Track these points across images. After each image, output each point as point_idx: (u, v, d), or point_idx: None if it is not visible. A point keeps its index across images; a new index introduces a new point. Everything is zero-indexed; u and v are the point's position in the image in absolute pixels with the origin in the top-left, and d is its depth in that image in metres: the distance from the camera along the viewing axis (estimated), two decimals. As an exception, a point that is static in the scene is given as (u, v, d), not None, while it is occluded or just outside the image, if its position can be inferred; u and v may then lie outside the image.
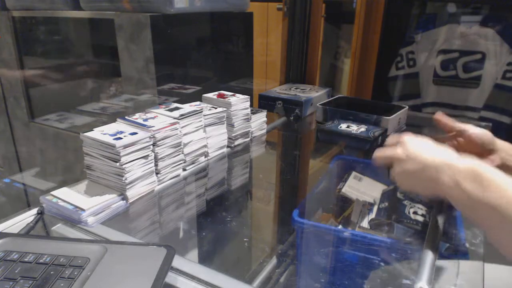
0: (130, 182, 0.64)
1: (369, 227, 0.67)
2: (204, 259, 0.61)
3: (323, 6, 1.36)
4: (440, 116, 0.67)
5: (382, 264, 0.55)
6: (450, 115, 0.67)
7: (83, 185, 0.66)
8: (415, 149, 0.54)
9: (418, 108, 1.60)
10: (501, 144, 0.63)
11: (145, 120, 0.72)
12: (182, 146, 0.75)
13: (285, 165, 0.98)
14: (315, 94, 1.23)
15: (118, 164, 0.62)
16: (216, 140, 0.85)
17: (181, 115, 0.75)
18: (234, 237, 0.65)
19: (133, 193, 0.65)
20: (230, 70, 1.33)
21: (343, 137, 0.96)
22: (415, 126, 1.12)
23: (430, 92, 1.58)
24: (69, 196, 0.62)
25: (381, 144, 0.97)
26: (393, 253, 0.56)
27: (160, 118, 0.73)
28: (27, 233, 0.56)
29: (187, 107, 0.80)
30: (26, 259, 0.44)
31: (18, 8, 1.27)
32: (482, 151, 0.62)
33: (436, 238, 0.54)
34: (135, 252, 0.47)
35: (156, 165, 0.70)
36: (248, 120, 0.93)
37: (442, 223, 0.58)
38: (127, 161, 0.63)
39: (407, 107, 1.09)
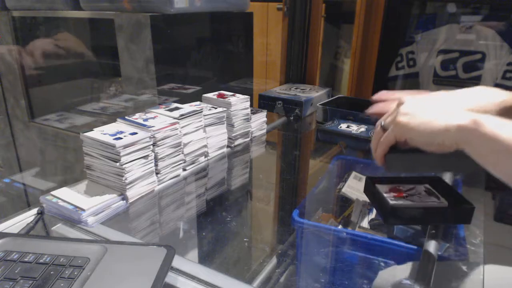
0: (130, 182, 0.64)
1: (369, 227, 0.67)
2: (204, 259, 0.61)
3: (323, 6, 1.36)
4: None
5: (382, 264, 0.55)
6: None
7: (83, 185, 0.66)
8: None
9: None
10: None
11: (145, 120, 0.72)
12: (182, 146, 0.75)
13: (285, 165, 0.98)
14: (315, 94, 1.23)
15: (118, 164, 0.62)
16: (216, 140, 0.85)
17: (181, 115, 0.75)
18: (234, 237, 0.65)
19: (133, 193, 0.65)
20: (230, 70, 1.33)
21: (343, 137, 0.96)
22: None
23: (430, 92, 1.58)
24: (69, 196, 0.62)
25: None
26: (393, 253, 0.56)
27: (160, 118, 0.73)
28: (27, 233, 0.56)
29: (187, 107, 0.80)
30: (26, 259, 0.44)
31: (18, 8, 1.27)
32: None
33: (436, 238, 0.54)
34: (135, 252, 0.47)
35: (156, 165, 0.70)
36: (248, 120, 0.93)
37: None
38: (127, 161, 0.63)
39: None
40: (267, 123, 1.03)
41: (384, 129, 0.51)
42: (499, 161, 0.40)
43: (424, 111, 0.46)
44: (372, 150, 0.54)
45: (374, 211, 0.71)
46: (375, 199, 0.59)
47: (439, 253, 0.52)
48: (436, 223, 0.57)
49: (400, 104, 0.49)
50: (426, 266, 0.48)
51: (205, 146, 0.82)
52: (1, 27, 1.31)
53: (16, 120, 1.42)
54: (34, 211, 0.61)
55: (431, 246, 0.53)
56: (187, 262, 0.51)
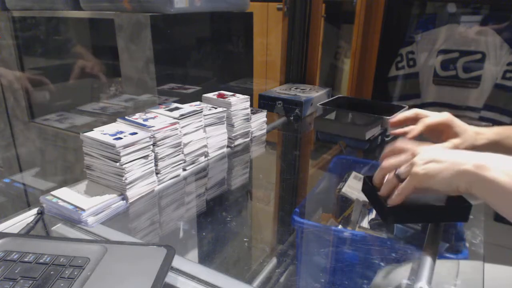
0: (130, 182, 0.64)
1: (369, 227, 0.67)
2: (204, 259, 0.61)
3: (323, 6, 1.36)
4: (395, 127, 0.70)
5: (382, 264, 0.55)
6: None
7: (83, 185, 0.66)
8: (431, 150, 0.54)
9: (418, 108, 1.60)
10: (462, 126, 0.66)
11: (145, 120, 0.72)
12: (182, 146, 0.75)
13: (285, 165, 0.98)
14: (315, 94, 1.23)
15: (118, 164, 0.62)
16: (216, 140, 0.85)
17: (181, 115, 0.75)
18: (234, 237, 0.65)
19: (133, 193, 0.65)
20: (230, 70, 1.33)
21: (343, 137, 0.96)
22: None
23: (430, 92, 1.58)
24: (69, 196, 0.62)
25: (381, 144, 0.97)
26: (393, 253, 0.56)
27: (160, 118, 0.73)
28: (27, 233, 0.56)
29: (187, 107, 0.80)
30: (26, 259, 0.44)
31: (18, 8, 1.27)
32: (444, 137, 0.65)
33: (436, 238, 0.54)
34: (135, 252, 0.47)
35: (156, 165, 0.70)
36: (248, 120, 0.93)
37: (442, 224, 0.58)
38: (127, 161, 0.63)
39: (407, 107, 1.09)
40: (267, 123, 1.03)
41: (398, 177, 0.54)
42: (501, 202, 0.44)
43: (438, 160, 0.50)
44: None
45: (374, 211, 0.70)
46: (373, 198, 0.59)
47: (439, 253, 0.52)
48: (434, 221, 0.57)
49: (414, 155, 0.53)
50: (426, 266, 0.48)
51: (205, 146, 0.82)
52: (1, 27, 1.31)
53: (16, 120, 1.42)
54: (34, 211, 0.61)
55: (431, 246, 0.53)
56: (187, 262, 0.51)
